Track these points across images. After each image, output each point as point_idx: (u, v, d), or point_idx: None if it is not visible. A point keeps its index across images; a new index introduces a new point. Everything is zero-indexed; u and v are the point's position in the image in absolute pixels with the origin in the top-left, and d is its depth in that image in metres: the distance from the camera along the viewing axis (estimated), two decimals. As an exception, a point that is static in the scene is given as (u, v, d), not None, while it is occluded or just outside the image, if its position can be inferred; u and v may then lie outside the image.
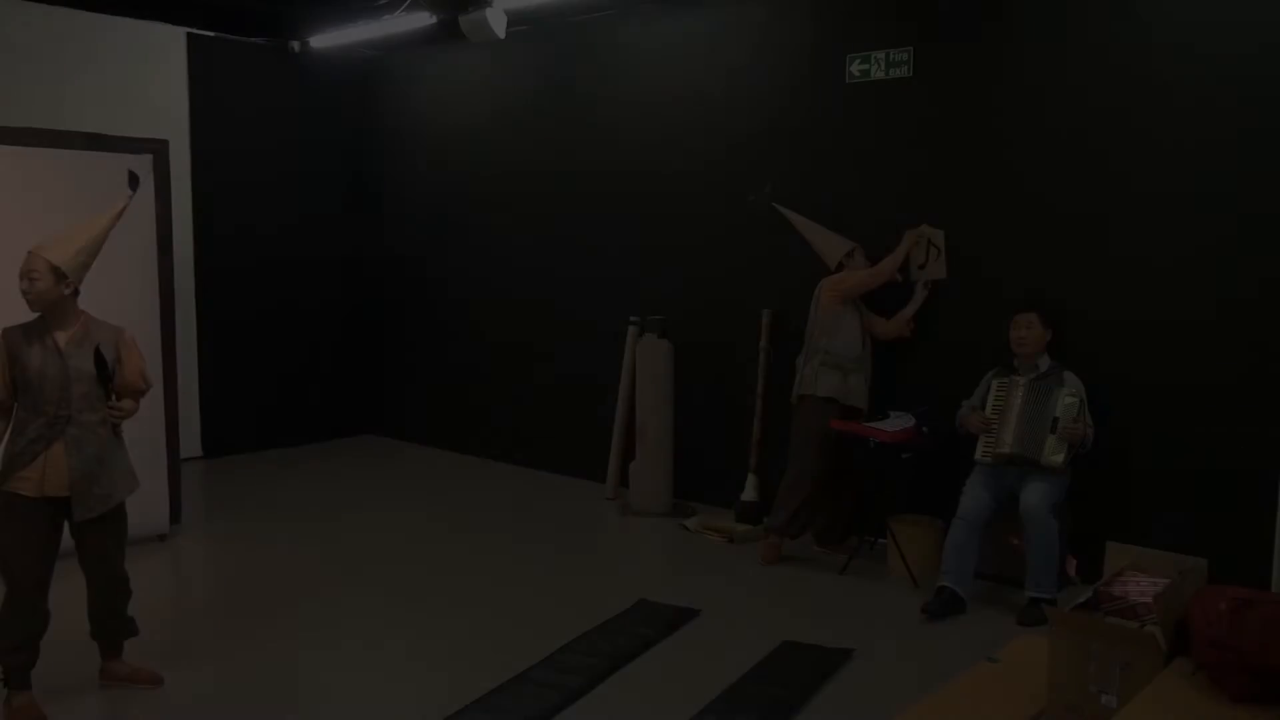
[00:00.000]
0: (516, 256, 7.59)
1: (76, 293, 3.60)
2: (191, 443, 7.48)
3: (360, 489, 7.09)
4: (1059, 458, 4.62)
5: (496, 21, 6.26)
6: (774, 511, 5.49)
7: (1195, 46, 4.62)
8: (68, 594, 3.78)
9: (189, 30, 7.51)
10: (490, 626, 4.58)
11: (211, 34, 7.66)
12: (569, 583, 5.20)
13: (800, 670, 4.08)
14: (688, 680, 4.00)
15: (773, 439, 5.96)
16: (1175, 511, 4.66)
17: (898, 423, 5.16)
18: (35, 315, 3.60)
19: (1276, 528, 4.33)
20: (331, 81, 8.36)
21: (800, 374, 5.45)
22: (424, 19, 6.84)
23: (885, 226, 5.48)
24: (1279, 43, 4.41)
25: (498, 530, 6.12)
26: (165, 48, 7.42)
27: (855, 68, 5.69)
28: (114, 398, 3.63)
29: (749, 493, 6.09)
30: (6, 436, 3.57)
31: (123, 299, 4.98)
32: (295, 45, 8.05)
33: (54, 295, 3.51)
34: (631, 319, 6.56)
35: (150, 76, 7.33)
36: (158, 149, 5.55)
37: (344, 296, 8.63)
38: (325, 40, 7.95)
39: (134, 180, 4.25)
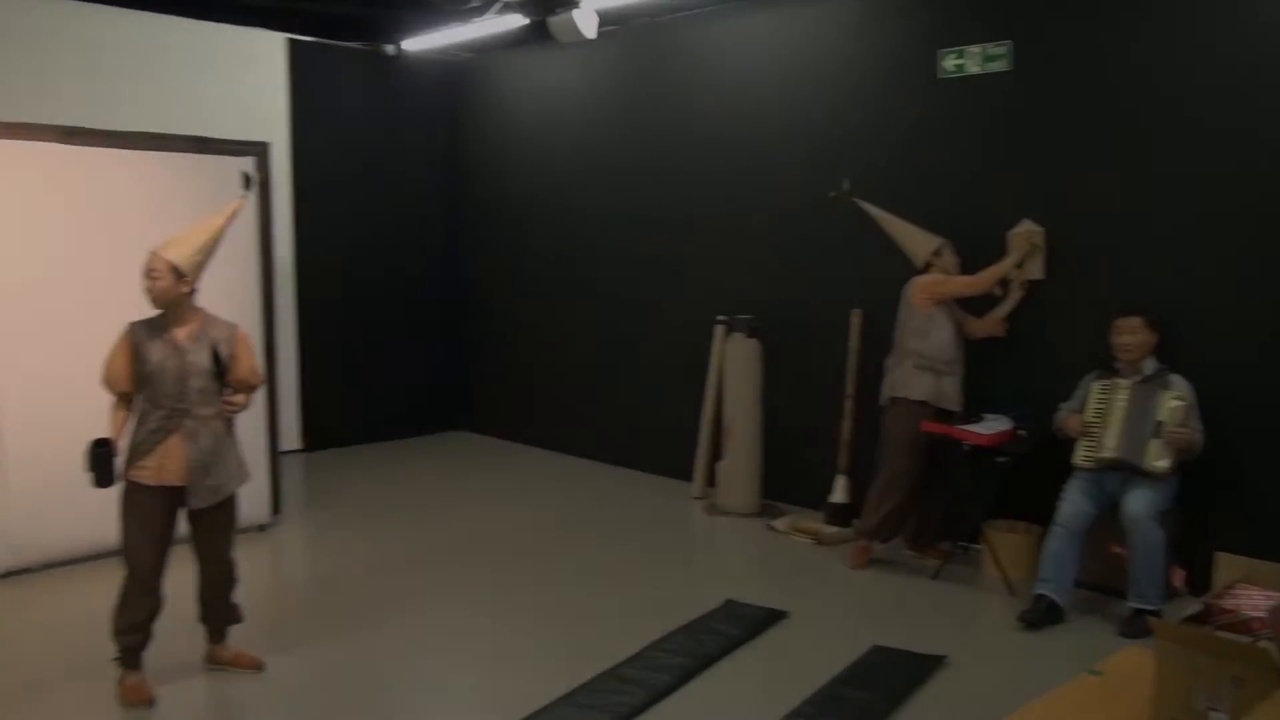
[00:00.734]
0: (605, 255, 7.63)
1: (194, 290, 3.73)
2: (291, 436, 7.71)
3: (451, 484, 7.21)
4: (1163, 463, 4.46)
5: (586, 22, 6.30)
6: (864, 514, 5.41)
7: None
8: (179, 579, 3.92)
9: (289, 36, 7.74)
10: (578, 623, 4.62)
11: (310, 40, 7.88)
12: (656, 581, 5.20)
13: (891, 676, 4.01)
14: (775, 682, 3.98)
15: (863, 440, 5.88)
16: (1290, 522, 4.46)
17: (993, 426, 5.04)
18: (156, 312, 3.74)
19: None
20: (424, 83, 8.52)
21: (891, 375, 5.36)
22: (515, 21, 6.92)
23: (978, 225, 5.36)
24: None
25: (586, 527, 6.16)
26: (267, 54, 7.66)
27: (949, 62, 5.57)
28: (228, 392, 3.76)
29: (838, 494, 6.02)
30: (131, 427, 3.72)
31: (227, 297, 5.14)
32: (390, 49, 8.22)
33: (173, 293, 3.65)
34: (719, 318, 6.54)
35: (253, 81, 7.57)
36: (260, 151, 5.73)
37: (437, 295, 8.79)
38: (418, 44, 8.11)
39: (247, 181, 4.39)
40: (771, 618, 4.62)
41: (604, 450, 7.73)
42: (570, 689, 3.84)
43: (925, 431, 5.15)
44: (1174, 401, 4.49)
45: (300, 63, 7.80)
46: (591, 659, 4.12)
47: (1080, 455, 4.68)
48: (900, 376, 5.29)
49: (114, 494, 3.71)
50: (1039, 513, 4.97)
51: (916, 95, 5.74)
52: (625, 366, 7.55)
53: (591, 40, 6.47)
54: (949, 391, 5.23)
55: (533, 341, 8.31)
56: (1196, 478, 4.60)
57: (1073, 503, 4.62)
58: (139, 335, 3.69)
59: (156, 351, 3.65)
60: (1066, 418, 4.79)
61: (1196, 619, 3.05)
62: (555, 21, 6.30)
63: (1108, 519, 4.59)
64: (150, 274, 3.63)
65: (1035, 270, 5.23)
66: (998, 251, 5.27)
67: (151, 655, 3.85)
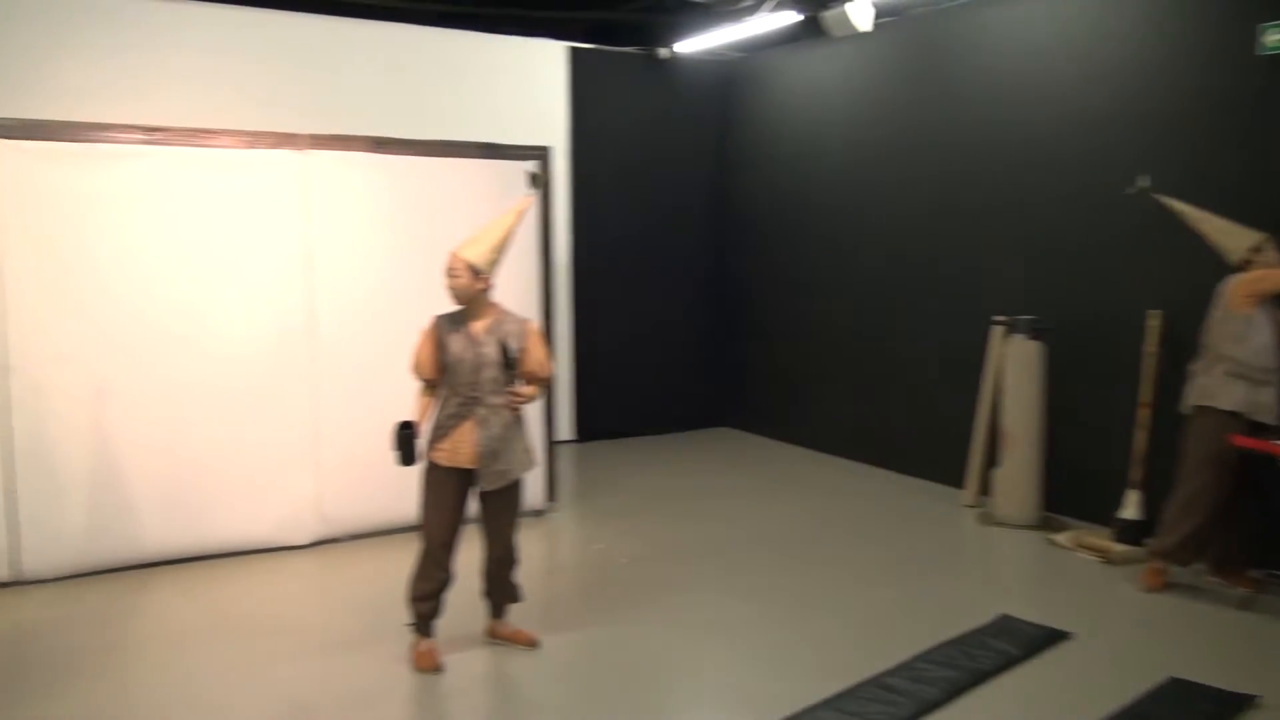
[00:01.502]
0: (874, 252, 7.45)
1: (490, 286, 3.99)
2: (565, 427, 8.08)
3: (717, 479, 7.29)
4: None
5: (861, 15, 6.17)
6: (1161, 533, 4.95)
7: None
8: (468, 557, 4.19)
9: (570, 44, 8.10)
10: (840, 627, 4.54)
11: (589, 46, 8.21)
12: (924, 590, 5.02)
13: (1189, 712, 3.66)
14: (1055, 706, 3.73)
15: (1159, 452, 5.39)
16: None
17: (1319, 442, 4.47)
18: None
19: None
20: (695, 85, 8.66)
21: (1197, 382, 4.87)
22: (787, 18, 6.89)
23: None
24: None
25: (850, 529, 6.05)
26: (549, 62, 8.06)
27: (1271, 37, 5.00)
28: (518, 383, 3.98)
29: (1130, 510, 5.55)
30: (434, 411, 4.03)
31: (511, 294, 5.46)
32: (663, 52, 8.43)
33: (471, 290, 3.93)
34: (998, 318, 6.21)
35: (535, 89, 7.99)
36: (542, 155, 6.03)
37: (706, 293, 8.92)
38: (691, 46, 8.26)
39: (533, 180, 4.63)
40: (1052, 637, 4.33)
41: (870, 452, 7.55)
42: (832, 694, 3.78)
43: (1235, 445, 4.65)
44: None
45: (578, 69, 8.15)
46: (855, 664, 4.04)
47: None
48: (1208, 384, 4.79)
49: (413, 473, 4.04)
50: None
51: (1231, 74, 5.19)
52: (893, 366, 7.34)
53: (865, 33, 6.32)
54: (1265, 402, 4.68)
55: (799, 340, 8.25)
56: None
57: None
58: (442, 327, 3.99)
59: (456, 343, 3.93)
60: None
61: None
62: (829, 16, 6.21)
63: None
64: (450, 272, 3.91)
65: (1378, 267, 4.59)
66: (1330, 246, 4.67)
67: (440, 625, 4.15)
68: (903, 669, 4.00)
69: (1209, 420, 4.76)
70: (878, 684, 3.87)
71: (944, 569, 5.40)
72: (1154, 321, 5.51)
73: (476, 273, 3.91)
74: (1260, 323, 4.69)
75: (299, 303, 5.43)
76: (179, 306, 5.15)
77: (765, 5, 6.92)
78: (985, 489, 6.29)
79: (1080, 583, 5.10)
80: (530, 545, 5.45)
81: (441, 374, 3.99)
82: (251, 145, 5.28)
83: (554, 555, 5.82)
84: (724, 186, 8.89)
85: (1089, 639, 4.34)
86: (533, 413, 5.92)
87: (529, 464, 4.13)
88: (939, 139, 6.87)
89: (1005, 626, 4.45)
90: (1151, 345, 5.51)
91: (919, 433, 7.13)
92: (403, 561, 4.26)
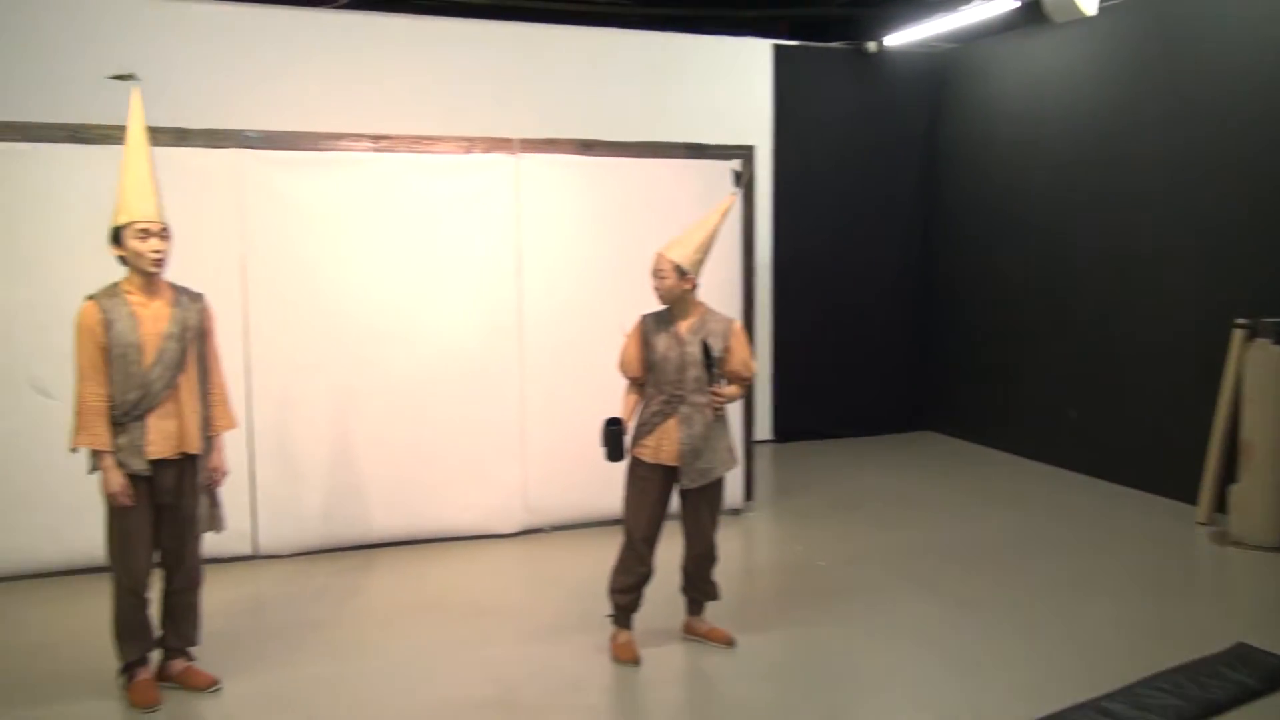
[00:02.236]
0: (1095, 249, 7.00)
1: (696, 286, 4.02)
2: (764, 427, 8.04)
3: (919, 484, 7.07)
4: None
5: (1087, -3, 5.82)
6: None
7: None
8: (668, 553, 4.23)
9: (775, 42, 8.05)
10: (1053, 644, 4.29)
11: (795, 44, 8.13)
12: (1149, 611, 4.68)
13: None
14: (1303, 748, 3.39)
15: None
16: None
17: None
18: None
19: None
20: (903, 79, 8.41)
21: None
22: (1005, 5, 6.59)
23: None
24: None
25: (1065, 543, 5.71)
26: (754, 61, 8.03)
27: None
28: (722, 383, 4.00)
29: (1394, 536, 4.99)
30: (639, 409, 4.10)
31: (712, 293, 5.47)
32: (871, 46, 8.24)
33: (677, 290, 3.98)
34: (1240, 320, 5.71)
35: (739, 88, 7.99)
36: (746, 154, 6.02)
37: (910, 292, 8.67)
38: (900, 38, 8.04)
39: (738, 178, 4.64)
40: (1298, 671, 3.95)
41: (1090, 462, 7.10)
42: (1043, 715, 3.58)
43: None
44: None
45: (782, 66, 8.08)
46: (1068, 684, 3.82)
47: None
48: None
49: (616, 468, 4.12)
50: None
51: None
52: (1117, 370, 6.87)
53: (1090, 18, 5.96)
54: None
55: (1011, 340, 7.86)
56: None
57: None
58: (648, 326, 4.06)
59: (662, 342, 3.99)
60: None
61: None
62: (1051, 1, 5.89)
63: None
64: (657, 273, 3.97)
65: None
66: None
67: (639, 619, 4.22)
68: (1123, 694, 3.74)
69: None
70: (1094, 708, 3.63)
71: (1172, 590, 5.02)
72: None
73: (682, 273, 3.95)
74: None
75: (509, 301, 5.66)
76: (400, 305, 5.46)
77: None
78: (1221, 506, 5.80)
79: (1333, 613, 4.63)
80: (727, 544, 5.43)
81: (647, 372, 4.06)
82: (468, 150, 5.54)
83: (751, 555, 5.80)
84: (932, 182, 8.59)
85: (1343, 676, 3.93)
86: (732, 412, 5.91)
87: (731, 463, 4.14)
88: (1172, 126, 6.38)
89: (1242, 655, 4.08)
90: None
91: (1146, 443, 6.65)
92: (603, 553, 4.36)
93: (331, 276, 5.33)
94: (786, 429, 8.29)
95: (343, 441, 5.41)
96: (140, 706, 3.68)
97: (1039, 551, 5.56)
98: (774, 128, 8.07)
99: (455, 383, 5.56)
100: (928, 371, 8.70)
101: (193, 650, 3.92)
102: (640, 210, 5.72)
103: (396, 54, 7.05)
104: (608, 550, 4.29)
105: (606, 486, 4.39)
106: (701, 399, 3.98)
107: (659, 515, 4.08)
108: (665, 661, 4.15)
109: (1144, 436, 6.66)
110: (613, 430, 4.01)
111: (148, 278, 3.60)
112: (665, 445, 3.99)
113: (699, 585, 4.29)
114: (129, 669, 3.75)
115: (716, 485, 4.11)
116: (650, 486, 4.04)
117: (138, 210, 3.55)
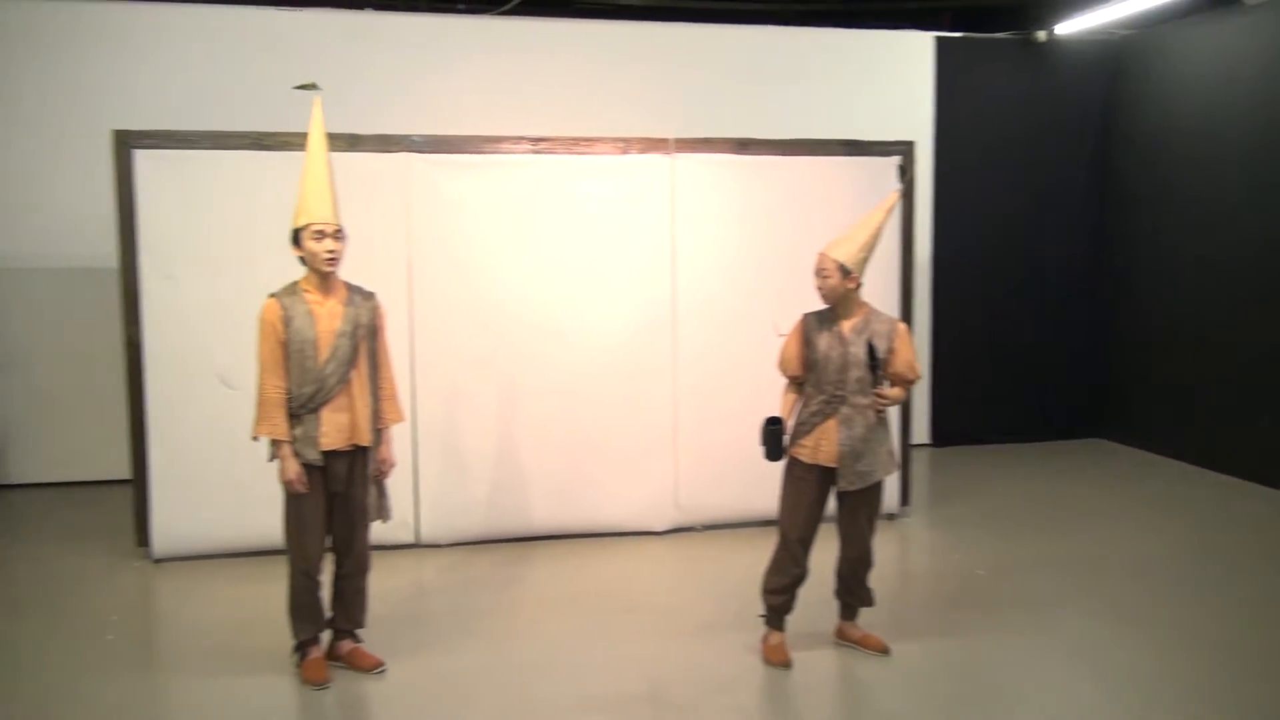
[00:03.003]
0: (1292, 247, 6.51)
1: (859, 286, 3.95)
2: (921, 431, 7.82)
3: (1086, 493, 6.72)
4: None
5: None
6: None
7: None
8: (823, 556, 4.18)
9: (937, 34, 7.82)
10: (1225, 668, 4.02)
11: (958, 35, 7.88)
12: (1349, 638, 4.32)
13: None
14: None
15: None
16: None
17: None
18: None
19: None
20: (1073, 68, 8.02)
21: None
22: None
23: None
24: None
25: (1246, 560, 5.33)
26: (914, 54, 7.82)
27: None
28: (885, 385, 3.93)
29: None
30: (798, 408, 4.06)
31: (868, 293, 5.36)
32: (1041, 35, 7.89)
33: (841, 290, 3.91)
34: None
35: (899, 82, 7.80)
36: (906, 150, 5.87)
37: (1080, 293, 8.25)
38: (1072, 26, 7.67)
39: (902, 173, 4.53)
40: None
41: (1277, 475, 6.60)
42: (1229, 743, 3.36)
43: None
44: None
45: (944, 59, 7.84)
46: (1240, 713, 3.56)
47: None
48: None
49: (768, 467, 4.09)
50: None
51: None
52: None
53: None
54: None
55: (1193, 342, 7.38)
56: None
57: None
58: (810, 325, 4.01)
59: (824, 341, 3.94)
60: None
61: None
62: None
63: None
64: (820, 273, 3.92)
65: None
66: None
67: (791, 621, 4.17)
68: (1318, 727, 3.46)
69: None
70: (1285, 740, 3.38)
71: (1376, 616, 4.61)
72: None
73: (846, 272, 3.88)
74: None
75: (664, 299, 5.68)
76: (557, 303, 5.56)
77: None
78: None
79: None
80: (883, 549, 5.30)
81: (808, 371, 4.01)
82: (624, 150, 5.60)
83: (906, 560, 5.65)
84: (1106, 175, 8.15)
85: None
86: (891, 415, 5.78)
87: (891, 466, 4.05)
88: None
89: None
90: None
91: (1346, 456, 6.14)
92: (755, 553, 4.33)
93: (493, 275, 5.48)
94: (945, 433, 8.03)
95: (503, 436, 5.56)
96: (311, 683, 3.89)
97: (1220, 570, 5.20)
98: (936, 122, 7.84)
99: (610, 380, 5.64)
100: (1100, 374, 8.26)
101: (360, 632, 4.11)
102: (797, 209, 5.66)
103: (554, 57, 7.21)
104: (759, 551, 4.26)
105: (756, 487, 4.37)
106: (864, 400, 3.90)
107: (815, 516, 4.03)
108: (816, 666, 4.09)
109: (1345, 449, 6.15)
110: (772, 429, 3.98)
111: (323, 277, 3.79)
112: (824, 446, 3.93)
113: (853, 590, 4.21)
114: (302, 647, 3.96)
115: (875, 489, 4.03)
116: (807, 487, 3.99)
117: (314, 212, 3.74)
